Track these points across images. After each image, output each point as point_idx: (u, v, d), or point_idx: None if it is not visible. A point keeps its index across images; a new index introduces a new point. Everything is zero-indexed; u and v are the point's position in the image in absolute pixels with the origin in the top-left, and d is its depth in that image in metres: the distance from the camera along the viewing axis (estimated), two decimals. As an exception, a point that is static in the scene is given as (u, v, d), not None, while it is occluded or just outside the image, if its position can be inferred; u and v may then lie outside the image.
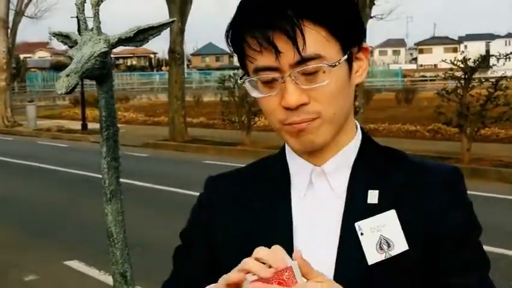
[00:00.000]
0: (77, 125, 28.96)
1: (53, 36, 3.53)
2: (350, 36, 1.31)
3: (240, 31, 1.30)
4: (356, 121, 1.44)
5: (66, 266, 8.14)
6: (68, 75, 2.98)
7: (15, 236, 9.93)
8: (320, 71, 1.26)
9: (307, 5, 1.25)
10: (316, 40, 1.25)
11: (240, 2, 1.32)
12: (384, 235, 1.29)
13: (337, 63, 1.27)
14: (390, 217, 1.31)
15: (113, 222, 3.38)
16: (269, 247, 1.21)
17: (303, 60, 1.24)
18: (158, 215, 10.71)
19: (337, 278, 1.25)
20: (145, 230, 9.09)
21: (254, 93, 1.32)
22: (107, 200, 3.39)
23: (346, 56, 1.29)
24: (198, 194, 1.53)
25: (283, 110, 1.28)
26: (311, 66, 1.25)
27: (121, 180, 3.51)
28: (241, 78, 1.36)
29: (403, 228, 1.30)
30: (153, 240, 8.69)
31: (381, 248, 1.29)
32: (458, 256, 1.30)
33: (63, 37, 3.43)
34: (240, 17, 1.31)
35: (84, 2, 3.25)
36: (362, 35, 1.35)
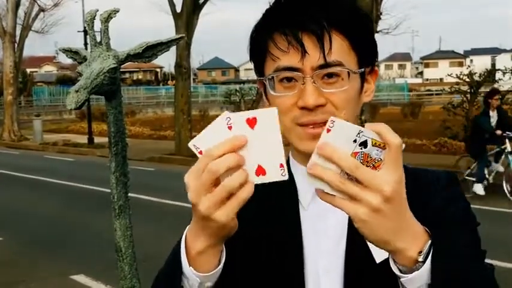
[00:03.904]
0: (83, 139, 29.02)
1: (62, 52, 3.54)
2: (367, 53, 1.38)
3: (269, 27, 1.35)
4: None
5: (73, 281, 8.15)
6: (77, 91, 3.00)
7: (22, 250, 9.94)
8: (339, 78, 1.32)
9: (337, 14, 1.32)
10: (340, 48, 1.32)
11: (271, 4, 1.38)
12: None
13: (357, 71, 1.34)
14: None
15: (121, 237, 3.39)
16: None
17: (326, 65, 1.30)
18: (164, 229, 10.69)
19: (347, 281, 1.34)
20: (151, 244, 9.08)
21: (271, 92, 1.37)
22: (115, 215, 3.40)
23: (362, 69, 1.37)
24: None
25: (299, 110, 1.33)
26: (334, 69, 1.31)
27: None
28: (260, 78, 1.40)
29: None
30: (160, 254, 8.62)
31: None
32: (456, 234, 1.32)
33: (73, 53, 3.44)
34: (270, 16, 1.37)
35: (94, 18, 3.27)
36: (376, 57, 1.42)
